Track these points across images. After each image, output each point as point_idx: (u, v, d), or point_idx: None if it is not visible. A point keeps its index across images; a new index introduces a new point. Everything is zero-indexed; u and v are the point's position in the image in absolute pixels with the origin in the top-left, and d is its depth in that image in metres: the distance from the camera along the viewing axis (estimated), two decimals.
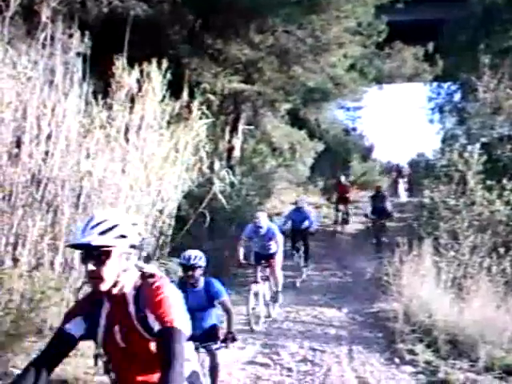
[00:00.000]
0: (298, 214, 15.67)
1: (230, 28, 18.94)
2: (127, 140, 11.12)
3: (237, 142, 22.53)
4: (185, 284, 7.02)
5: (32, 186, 9.60)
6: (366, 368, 9.34)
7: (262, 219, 11.91)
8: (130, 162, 10.96)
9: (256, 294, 11.44)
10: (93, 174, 10.20)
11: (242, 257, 11.78)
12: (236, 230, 14.87)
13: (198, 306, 6.95)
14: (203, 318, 7.18)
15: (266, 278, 12.14)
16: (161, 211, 11.51)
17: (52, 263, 9.54)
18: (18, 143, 9.66)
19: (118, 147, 10.83)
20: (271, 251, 12.18)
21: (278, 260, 12.31)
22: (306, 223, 15.58)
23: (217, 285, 7.22)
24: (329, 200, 26.87)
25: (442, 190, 14.51)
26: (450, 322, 10.18)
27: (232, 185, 15.54)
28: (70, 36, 11.31)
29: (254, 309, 11.29)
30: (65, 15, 12.57)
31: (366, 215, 20.16)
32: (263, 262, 12.09)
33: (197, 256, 7.06)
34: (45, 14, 10.40)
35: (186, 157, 12.00)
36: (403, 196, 28.39)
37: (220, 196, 13.35)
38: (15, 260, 9.26)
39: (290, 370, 9.22)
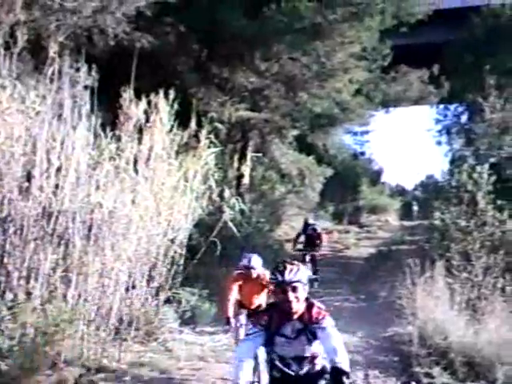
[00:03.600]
0: None
1: (236, 57, 19.08)
2: (136, 171, 11.15)
3: (246, 170, 22.45)
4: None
5: (43, 220, 9.68)
6: None
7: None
8: (140, 193, 10.99)
9: None
10: (103, 205, 10.25)
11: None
12: None
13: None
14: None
15: None
16: (172, 240, 11.50)
17: (65, 296, 9.56)
18: (29, 177, 9.74)
19: (127, 178, 10.87)
20: None
21: None
22: None
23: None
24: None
25: (453, 212, 14.46)
26: (466, 343, 10.09)
27: (242, 212, 15.49)
28: (78, 70, 11.43)
29: None
30: (72, 49, 12.73)
31: None
32: None
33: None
34: (52, 49, 10.53)
35: (196, 186, 12.01)
36: None
37: (230, 224, 13.31)
38: (28, 293, 9.30)
39: None
